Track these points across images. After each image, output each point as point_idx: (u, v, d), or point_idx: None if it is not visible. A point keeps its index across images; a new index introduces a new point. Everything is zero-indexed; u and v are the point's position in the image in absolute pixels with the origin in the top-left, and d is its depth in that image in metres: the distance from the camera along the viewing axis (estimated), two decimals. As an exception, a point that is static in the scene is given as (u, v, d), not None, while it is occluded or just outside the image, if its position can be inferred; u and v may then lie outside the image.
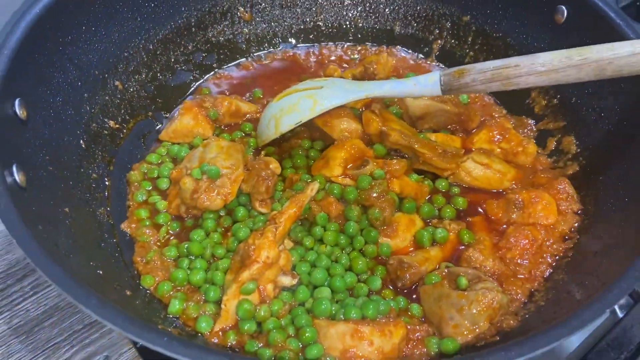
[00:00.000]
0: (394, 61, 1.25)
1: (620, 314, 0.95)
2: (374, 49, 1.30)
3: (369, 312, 0.80)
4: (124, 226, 0.97)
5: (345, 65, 1.26)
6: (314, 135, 1.06)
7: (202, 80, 1.23)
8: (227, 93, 1.20)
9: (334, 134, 1.04)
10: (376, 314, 0.80)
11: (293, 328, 0.81)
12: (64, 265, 0.65)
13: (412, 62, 1.27)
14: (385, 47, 1.30)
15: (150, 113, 1.14)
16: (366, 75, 1.19)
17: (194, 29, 1.20)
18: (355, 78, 1.20)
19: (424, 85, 0.94)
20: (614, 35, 0.94)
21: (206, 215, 0.96)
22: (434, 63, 1.27)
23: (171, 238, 0.96)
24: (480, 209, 1.00)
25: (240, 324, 0.81)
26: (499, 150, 1.05)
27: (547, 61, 0.82)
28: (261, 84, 1.22)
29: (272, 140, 1.03)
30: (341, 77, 1.20)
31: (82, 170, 0.96)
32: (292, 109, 0.99)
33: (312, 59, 1.28)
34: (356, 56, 1.29)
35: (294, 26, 1.30)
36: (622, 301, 0.95)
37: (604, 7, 0.97)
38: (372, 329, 0.76)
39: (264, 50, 1.28)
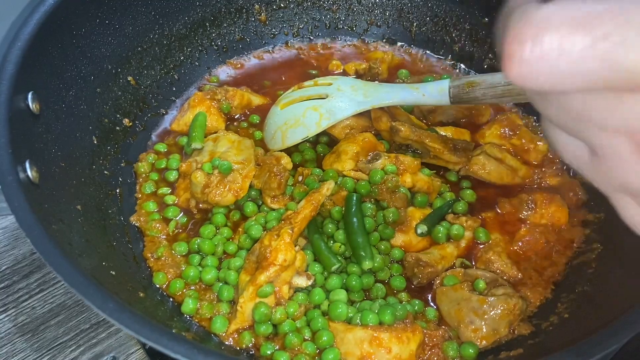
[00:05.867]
0: (398, 61, 1.24)
1: None
2: (385, 47, 1.28)
3: (386, 318, 0.79)
4: (133, 219, 0.95)
5: (348, 59, 1.25)
6: None
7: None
8: (237, 82, 1.19)
9: (335, 132, 1.04)
10: (393, 320, 0.79)
11: (309, 331, 0.80)
12: (79, 268, 0.63)
13: (426, 63, 1.25)
14: (394, 45, 1.28)
15: (162, 110, 1.13)
16: (369, 74, 1.18)
17: (208, 25, 1.19)
18: (358, 74, 1.20)
19: (432, 96, 0.95)
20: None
21: (216, 209, 0.95)
22: (449, 63, 1.25)
23: (179, 231, 0.95)
24: (492, 206, 0.99)
25: (256, 326, 0.80)
26: (509, 145, 1.05)
27: None
28: (270, 75, 1.21)
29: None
30: (342, 71, 1.20)
31: (94, 166, 0.94)
32: (298, 122, 0.99)
33: (320, 52, 1.27)
34: (367, 49, 1.27)
35: (309, 23, 1.28)
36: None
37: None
38: (390, 336, 0.75)
39: (276, 44, 1.27)
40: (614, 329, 0.62)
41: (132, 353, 0.90)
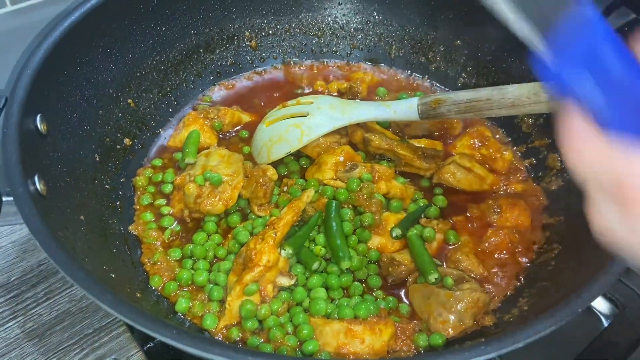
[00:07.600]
0: (377, 81, 1.32)
1: (605, 323, 1.00)
2: (366, 66, 1.36)
3: (361, 312, 0.86)
4: (131, 228, 1.02)
5: (332, 79, 1.33)
6: None
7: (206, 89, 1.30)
8: (228, 102, 1.27)
9: (307, 151, 1.12)
10: (367, 314, 0.86)
11: (291, 325, 0.86)
12: (82, 267, 0.71)
13: (403, 81, 1.33)
14: (371, 65, 1.36)
15: (160, 129, 1.20)
16: (350, 93, 1.26)
17: (202, 51, 1.27)
18: (340, 93, 1.28)
19: (402, 112, 1.04)
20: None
21: (207, 218, 1.02)
22: (427, 82, 1.33)
23: (174, 239, 1.02)
24: (462, 211, 1.06)
25: (243, 322, 0.86)
26: (479, 155, 1.14)
27: (516, 97, 0.91)
28: (259, 95, 1.29)
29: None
30: (327, 90, 1.29)
31: (96, 181, 1.01)
32: (281, 138, 1.07)
33: (305, 73, 1.35)
34: (349, 70, 1.36)
35: (296, 48, 1.37)
36: (607, 311, 1.01)
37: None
38: (364, 328, 0.82)
39: (265, 65, 1.36)
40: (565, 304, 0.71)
41: (132, 355, 0.95)
